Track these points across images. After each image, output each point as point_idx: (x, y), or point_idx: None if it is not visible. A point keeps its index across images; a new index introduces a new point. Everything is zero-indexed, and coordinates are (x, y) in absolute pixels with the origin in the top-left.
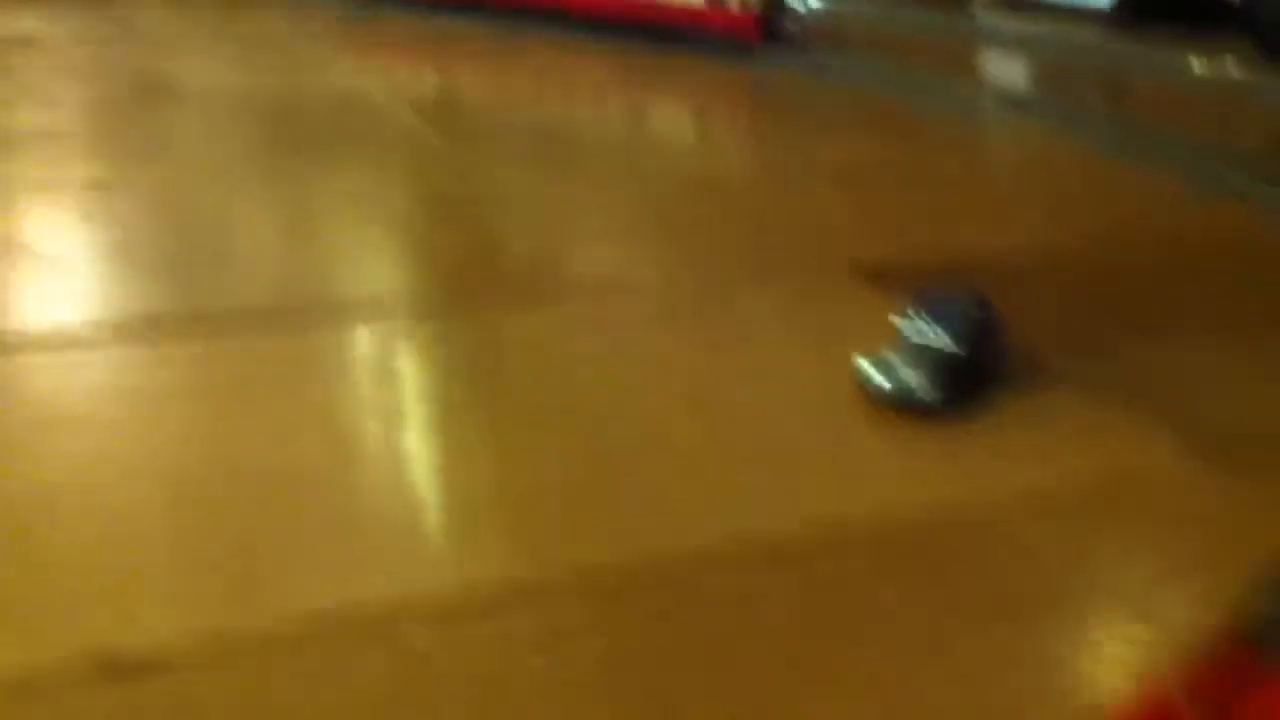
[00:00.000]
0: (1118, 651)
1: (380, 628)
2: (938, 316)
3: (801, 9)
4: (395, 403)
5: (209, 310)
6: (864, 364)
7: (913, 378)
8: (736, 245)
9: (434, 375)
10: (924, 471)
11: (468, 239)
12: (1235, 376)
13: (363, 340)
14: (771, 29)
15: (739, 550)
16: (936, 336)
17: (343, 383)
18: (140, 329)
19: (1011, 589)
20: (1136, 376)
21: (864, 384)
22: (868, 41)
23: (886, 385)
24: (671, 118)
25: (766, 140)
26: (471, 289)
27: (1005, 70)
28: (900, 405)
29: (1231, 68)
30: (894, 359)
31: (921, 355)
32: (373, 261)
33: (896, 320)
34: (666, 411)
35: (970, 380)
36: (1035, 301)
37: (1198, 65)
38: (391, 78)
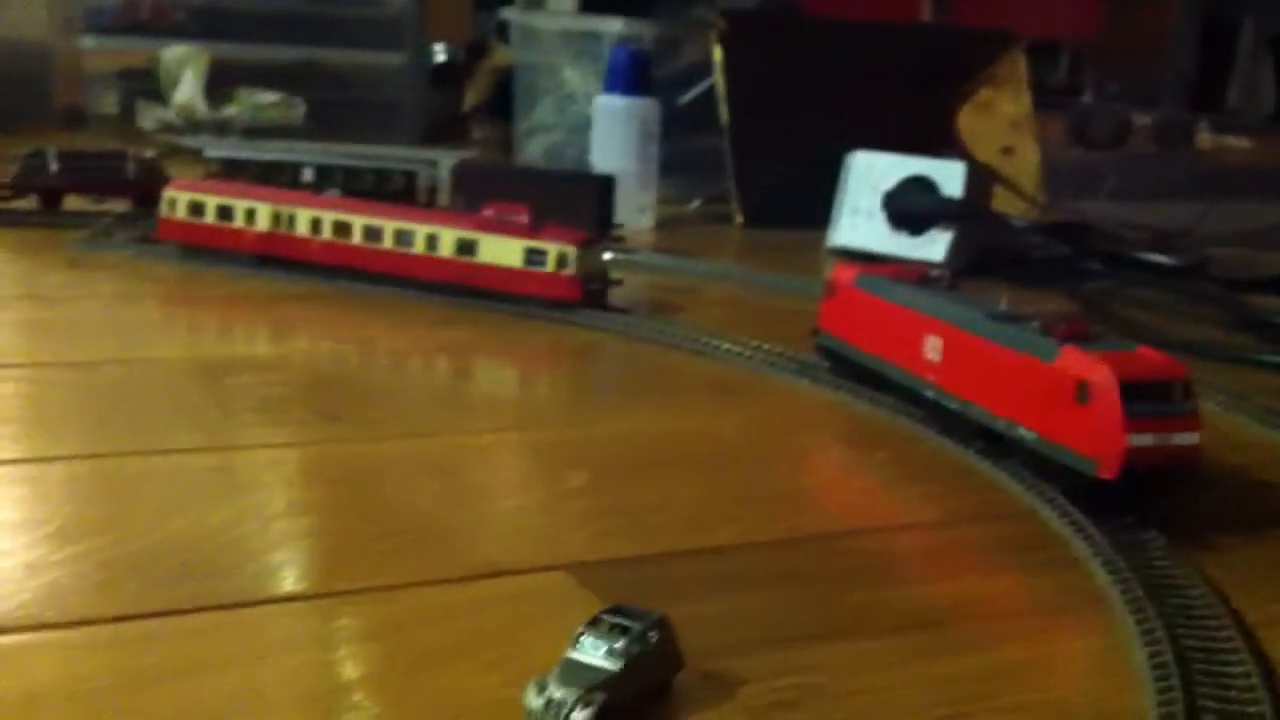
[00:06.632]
0: None
1: None
2: (608, 634)
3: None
4: None
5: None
6: (530, 685)
7: (566, 698)
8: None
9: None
10: None
11: None
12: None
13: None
14: (591, 291)
15: None
16: (597, 655)
17: None
18: None
19: None
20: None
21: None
22: (708, 304)
23: (535, 705)
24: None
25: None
26: None
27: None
28: None
29: None
30: (550, 679)
31: (578, 674)
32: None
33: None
34: None
35: (627, 702)
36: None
37: None
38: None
